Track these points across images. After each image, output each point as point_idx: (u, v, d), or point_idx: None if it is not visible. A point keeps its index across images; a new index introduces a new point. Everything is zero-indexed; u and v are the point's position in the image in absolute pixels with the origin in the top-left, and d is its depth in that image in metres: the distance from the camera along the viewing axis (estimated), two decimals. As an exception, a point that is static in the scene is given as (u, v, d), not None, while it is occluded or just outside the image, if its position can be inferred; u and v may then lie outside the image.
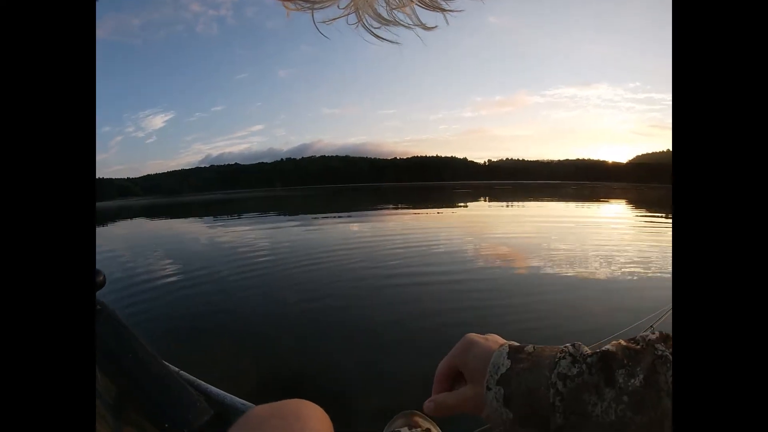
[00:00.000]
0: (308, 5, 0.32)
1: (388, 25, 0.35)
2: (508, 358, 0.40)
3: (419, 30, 0.37)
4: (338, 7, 0.33)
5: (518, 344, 0.41)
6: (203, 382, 1.52)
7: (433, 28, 0.36)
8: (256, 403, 1.42)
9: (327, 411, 0.49)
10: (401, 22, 0.36)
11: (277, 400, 0.48)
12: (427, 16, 0.37)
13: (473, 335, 0.44)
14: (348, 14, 0.34)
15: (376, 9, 0.35)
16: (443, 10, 0.35)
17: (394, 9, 0.35)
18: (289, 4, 0.32)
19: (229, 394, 1.48)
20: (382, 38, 0.36)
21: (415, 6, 0.35)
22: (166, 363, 1.51)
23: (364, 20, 0.35)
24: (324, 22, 0.34)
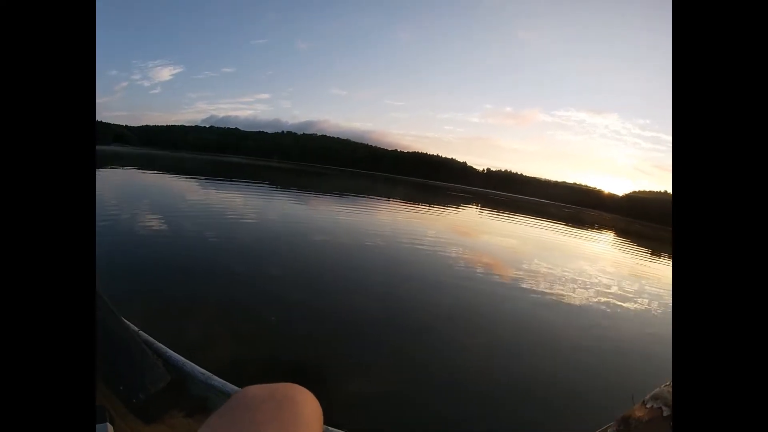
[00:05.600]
0: None
1: None
2: None
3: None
4: None
5: None
6: (162, 345, 1.47)
7: None
8: (218, 374, 1.37)
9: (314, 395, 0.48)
10: None
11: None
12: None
13: None
14: None
15: None
16: None
17: None
18: None
19: (188, 361, 1.43)
20: None
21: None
22: (126, 321, 1.45)
23: None
24: None
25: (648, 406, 0.54)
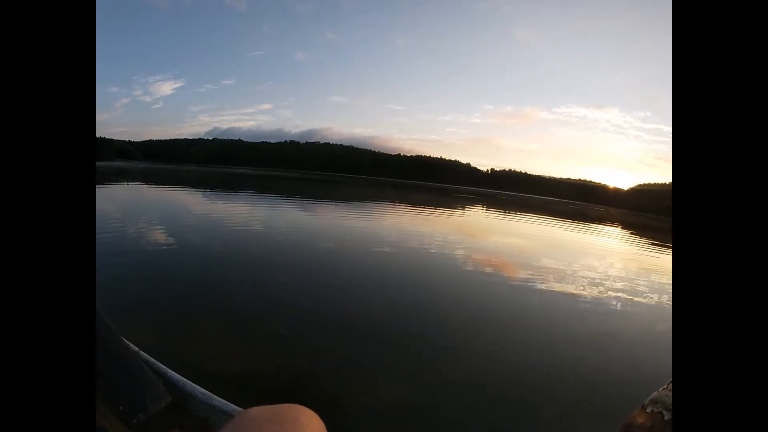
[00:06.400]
0: None
1: None
2: None
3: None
4: None
5: None
6: (162, 365, 1.46)
7: None
8: (221, 394, 1.36)
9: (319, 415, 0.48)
10: None
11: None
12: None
13: None
14: None
15: None
16: None
17: None
18: None
19: (189, 381, 1.41)
20: None
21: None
22: (125, 340, 1.44)
23: None
24: None
25: (648, 410, 0.52)
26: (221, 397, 1.35)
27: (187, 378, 1.44)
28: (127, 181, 24.96)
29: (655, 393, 0.55)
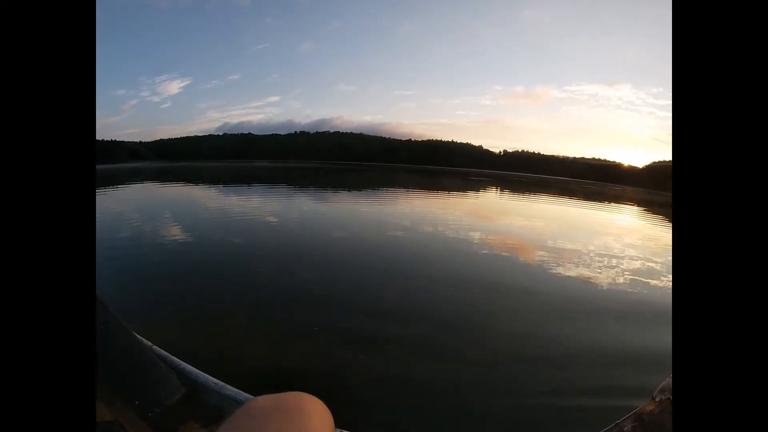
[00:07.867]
0: None
1: None
2: None
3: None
4: None
5: None
6: (176, 358, 1.49)
7: None
8: (233, 384, 1.38)
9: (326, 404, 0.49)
10: None
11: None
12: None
13: None
14: None
15: None
16: None
17: None
18: None
19: (202, 372, 1.44)
20: None
21: None
22: (138, 336, 1.47)
23: None
24: None
25: (657, 399, 0.54)
26: (234, 386, 1.37)
27: (200, 369, 1.47)
28: (142, 180, 25.30)
29: (663, 382, 0.56)
